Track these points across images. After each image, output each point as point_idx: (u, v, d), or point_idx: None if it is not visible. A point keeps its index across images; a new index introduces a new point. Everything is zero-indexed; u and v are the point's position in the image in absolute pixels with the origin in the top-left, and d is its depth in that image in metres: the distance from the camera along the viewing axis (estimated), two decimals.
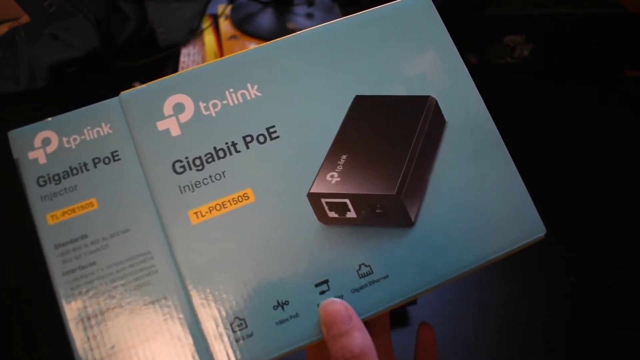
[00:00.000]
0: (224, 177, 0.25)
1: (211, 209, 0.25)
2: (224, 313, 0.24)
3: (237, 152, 0.26)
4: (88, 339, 0.23)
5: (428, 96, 0.27)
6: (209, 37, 0.68)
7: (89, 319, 0.24)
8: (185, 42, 0.68)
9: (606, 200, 0.53)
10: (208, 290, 0.24)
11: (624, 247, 0.47)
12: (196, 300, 0.24)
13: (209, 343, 0.23)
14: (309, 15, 0.68)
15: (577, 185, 0.53)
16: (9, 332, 0.41)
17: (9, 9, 0.65)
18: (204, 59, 0.66)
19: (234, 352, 0.23)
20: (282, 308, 0.24)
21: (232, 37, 0.66)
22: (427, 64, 0.28)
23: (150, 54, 0.67)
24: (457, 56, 0.28)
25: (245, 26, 0.66)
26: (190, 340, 0.23)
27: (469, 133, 0.27)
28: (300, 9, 0.69)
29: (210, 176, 0.25)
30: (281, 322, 0.24)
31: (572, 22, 0.60)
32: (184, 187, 0.25)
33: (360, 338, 0.22)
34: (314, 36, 0.28)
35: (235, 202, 0.25)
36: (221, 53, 0.64)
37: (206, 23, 0.70)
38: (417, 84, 0.28)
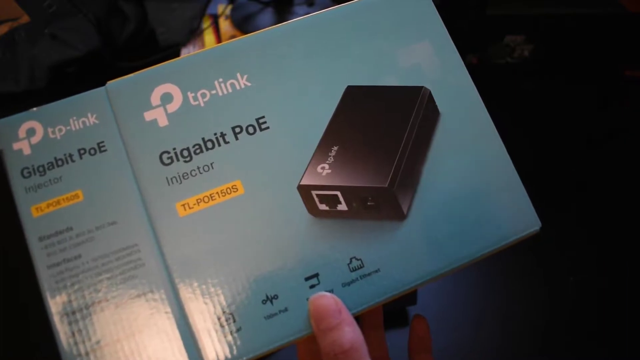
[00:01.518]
0: (213, 168, 0.25)
1: (199, 201, 0.24)
2: (211, 307, 0.23)
3: (226, 143, 0.25)
4: (73, 333, 0.23)
5: (422, 87, 0.27)
6: (209, 37, 0.68)
7: (74, 313, 0.23)
8: (185, 42, 0.68)
9: (606, 200, 0.53)
10: (196, 284, 0.24)
11: (624, 247, 0.47)
12: (184, 294, 0.23)
13: (197, 337, 0.23)
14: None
15: (577, 186, 0.53)
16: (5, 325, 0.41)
17: (9, 9, 0.65)
18: None
19: (222, 346, 0.23)
20: (271, 302, 0.24)
21: (232, 37, 0.65)
22: (421, 54, 0.27)
23: (150, 54, 0.67)
24: (452, 46, 0.28)
25: (245, 26, 0.66)
26: (177, 334, 0.23)
27: (464, 124, 0.27)
28: (300, 9, 0.69)
29: (198, 167, 0.25)
30: (270, 316, 0.23)
31: (572, 22, 0.60)
32: (171, 179, 0.25)
33: (350, 332, 0.21)
34: (305, 25, 0.28)
35: (223, 194, 0.25)
36: None
37: (206, 23, 0.69)
38: (411, 75, 0.27)
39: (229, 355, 0.23)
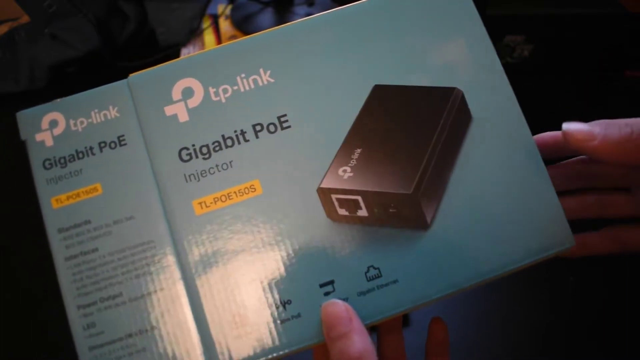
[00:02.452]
0: (231, 167, 0.25)
1: (216, 199, 0.24)
2: (225, 307, 0.24)
3: (246, 141, 0.25)
4: (87, 326, 0.24)
5: (454, 88, 0.26)
6: (209, 37, 0.69)
7: (89, 305, 0.24)
8: (185, 42, 0.69)
9: None
10: (210, 284, 0.24)
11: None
12: (198, 293, 0.24)
13: (211, 336, 0.23)
14: (309, 15, 0.67)
15: None
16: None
17: (9, 9, 0.66)
18: None
19: (233, 348, 0.23)
20: (284, 307, 0.24)
21: (232, 37, 0.66)
22: (455, 52, 0.26)
23: (150, 54, 0.68)
24: (489, 45, 0.26)
25: (245, 26, 0.66)
26: (191, 332, 0.23)
27: (498, 131, 0.25)
28: (300, 9, 0.69)
29: (216, 165, 0.25)
30: (283, 321, 0.23)
31: (572, 22, 0.60)
32: (189, 176, 0.25)
33: (359, 342, 0.21)
34: (331, 20, 0.27)
35: (241, 193, 0.25)
36: None
37: (206, 23, 0.70)
38: (443, 74, 0.26)
39: (241, 357, 0.23)
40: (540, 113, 0.64)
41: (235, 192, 0.25)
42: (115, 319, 0.23)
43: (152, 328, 0.23)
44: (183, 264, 0.24)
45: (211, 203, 0.24)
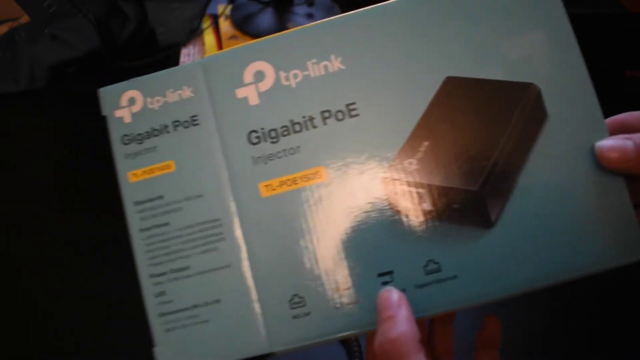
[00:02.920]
0: (298, 152, 0.26)
1: (282, 183, 0.26)
2: (283, 288, 0.25)
3: (314, 127, 0.26)
4: (158, 294, 0.26)
5: (530, 83, 0.25)
6: (209, 37, 0.69)
7: (160, 275, 0.26)
8: (185, 42, 0.69)
9: None
10: (272, 263, 0.25)
11: None
12: (260, 271, 0.25)
13: (267, 315, 0.25)
14: (309, 15, 0.68)
15: None
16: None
17: (9, 9, 0.67)
18: None
19: (289, 328, 0.24)
20: (343, 293, 0.24)
21: (232, 37, 0.66)
22: (534, 45, 0.25)
23: (150, 54, 0.69)
24: (572, 39, 0.25)
25: (245, 26, 0.67)
26: (251, 309, 0.25)
27: (574, 132, 0.25)
28: (300, 9, 0.69)
29: (284, 150, 0.26)
30: (340, 306, 0.24)
31: (572, 22, 0.60)
32: (257, 159, 0.26)
33: (402, 326, 0.22)
34: (404, 6, 0.26)
35: (307, 179, 0.25)
36: None
37: (206, 23, 0.70)
38: (519, 69, 0.25)
39: (295, 336, 0.24)
40: None
41: (301, 177, 0.25)
42: (183, 289, 0.25)
43: (217, 301, 0.25)
44: (247, 242, 0.25)
45: (277, 186, 0.25)
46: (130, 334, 0.42)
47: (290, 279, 0.25)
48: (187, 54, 0.70)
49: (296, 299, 0.25)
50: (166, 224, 0.26)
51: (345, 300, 0.24)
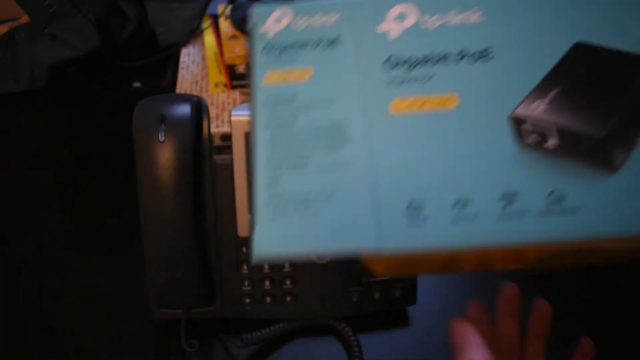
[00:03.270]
0: (431, 81, 0.28)
1: (411, 104, 0.27)
2: (401, 194, 0.26)
3: (448, 64, 0.28)
4: (272, 183, 0.27)
5: None
6: (209, 37, 0.69)
7: (276, 166, 0.27)
8: (185, 42, 0.69)
9: None
10: (391, 171, 0.27)
11: None
12: (380, 176, 0.27)
13: (383, 214, 0.26)
14: None
15: None
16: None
17: (9, 9, 0.67)
18: (204, 59, 0.66)
19: (401, 232, 0.26)
20: (461, 207, 0.25)
21: (232, 37, 0.66)
22: None
23: (150, 54, 0.69)
24: None
25: (245, 26, 0.66)
26: (366, 208, 0.26)
27: None
28: None
29: (416, 77, 0.28)
30: (457, 220, 0.25)
31: None
32: (390, 81, 0.28)
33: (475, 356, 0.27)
34: None
35: (437, 104, 0.27)
36: (221, 53, 0.65)
37: (206, 23, 0.70)
38: None
39: (406, 240, 0.26)
40: None
41: (430, 101, 0.27)
42: (299, 180, 0.27)
43: (331, 196, 0.26)
44: (370, 151, 0.27)
45: (406, 106, 0.27)
46: (131, 334, 0.42)
47: (409, 187, 0.26)
48: (187, 54, 0.70)
49: (413, 206, 0.26)
50: (293, 122, 0.28)
51: (462, 214, 0.26)
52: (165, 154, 0.35)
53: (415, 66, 0.28)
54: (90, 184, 0.55)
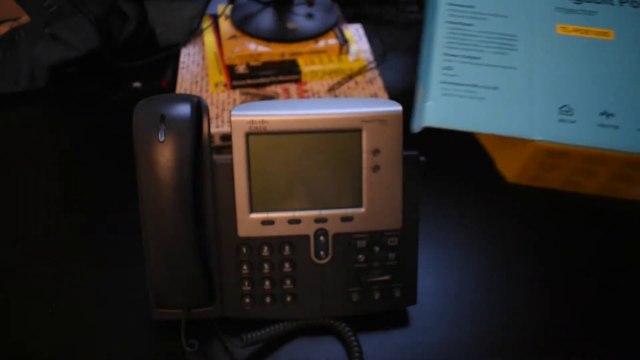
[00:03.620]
0: (594, 15, 0.34)
1: (576, 30, 0.34)
2: (555, 97, 0.33)
3: (612, 4, 0.34)
4: (446, 68, 0.34)
5: None
6: (209, 37, 0.69)
7: (452, 56, 0.34)
8: (185, 42, 0.69)
9: (607, 200, 0.52)
10: (549, 78, 0.33)
11: (624, 247, 0.47)
12: (538, 81, 0.33)
13: (536, 112, 0.32)
14: (309, 15, 0.68)
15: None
16: None
17: (9, 9, 0.67)
18: (204, 59, 0.66)
19: (553, 127, 0.32)
20: (607, 117, 0.31)
21: (232, 37, 0.66)
22: None
23: (150, 54, 0.69)
24: None
25: (245, 26, 0.67)
26: (525, 102, 0.33)
27: None
28: (300, 9, 0.69)
29: (583, 10, 0.34)
30: (601, 126, 0.32)
31: None
32: (559, 9, 0.34)
33: None
34: None
35: (596, 34, 0.34)
36: (221, 53, 0.65)
37: (206, 23, 0.70)
38: None
39: (558, 135, 0.32)
40: None
41: (592, 31, 0.33)
42: (469, 71, 0.33)
43: (495, 88, 0.32)
44: (533, 58, 0.34)
45: (571, 30, 0.33)
46: (131, 334, 0.42)
47: (564, 94, 0.32)
48: (187, 54, 0.70)
49: (565, 109, 0.32)
50: (470, 25, 0.35)
51: (606, 123, 0.31)
52: (165, 154, 0.35)
53: (582, 1, 0.35)
54: (90, 184, 0.55)
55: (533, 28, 0.34)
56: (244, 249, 0.39)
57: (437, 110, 0.32)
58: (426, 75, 0.34)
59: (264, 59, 0.65)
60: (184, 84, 0.64)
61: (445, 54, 0.34)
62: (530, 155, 0.36)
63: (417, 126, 0.33)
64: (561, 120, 0.32)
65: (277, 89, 0.64)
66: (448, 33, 0.34)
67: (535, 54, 0.34)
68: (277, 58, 0.66)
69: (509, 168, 0.42)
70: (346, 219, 0.39)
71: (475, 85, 0.32)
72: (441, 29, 0.34)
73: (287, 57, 0.66)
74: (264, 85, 0.64)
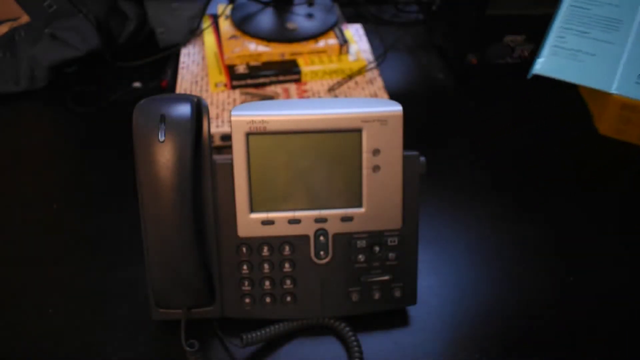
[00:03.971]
0: None
1: None
2: (638, 65, 0.41)
3: None
4: (560, 37, 0.44)
5: None
6: (209, 37, 0.69)
7: (567, 29, 0.43)
8: (185, 42, 0.69)
9: (607, 200, 0.53)
10: (637, 57, 0.42)
11: (624, 247, 0.47)
12: (630, 54, 0.41)
13: (622, 78, 0.40)
14: (309, 15, 0.68)
15: (578, 184, 0.53)
16: None
17: (9, 9, 0.67)
18: (204, 59, 0.66)
19: (629, 86, 0.40)
20: None
21: (232, 37, 0.66)
22: None
23: (150, 54, 0.69)
24: None
25: (245, 26, 0.67)
26: (617, 67, 0.41)
27: None
28: (300, 9, 0.70)
29: None
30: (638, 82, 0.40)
31: None
32: None
33: None
34: None
35: None
36: (221, 53, 0.65)
37: (206, 23, 0.71)
38: None
39: (630, 93, 0.40)
40: (541, 112, 0.64)
41: None
42: (576, 41, 0.42)
43: (594, 55, 0.41)
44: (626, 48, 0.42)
45: None
46: (131, 334, 0.42)
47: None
48: (187, 54, 0.70)
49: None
50: (588, 9, 0.44)
51: None
52: (165, 154, 0.35)
53: None
54: (90, 184, 0.56)
55: (636, 17, 0.43)
56: (244, 249, 0.39)
57: (547, 64, 0.42)
58: (546, 38, 0.44)
59: (264, 59, 0.65)
60: (184, 84, 0.64)
61: (562, 27, 0.43)
62: (609, 107, 0.54)
63: (529, 74, 0.43)
64: (637, 83, 0.40)
65: (277, 89, 0.64)
66: (569, 12, 0.44)
67: (632, 36, 0.42)
68: (277, 58, 0.66)
69: (600, 121, 0.59)
70: (346, 219, 0.39)
71: (579, 51, 0.42)
72: (565, 8, 0.45)
73: (287, 57, 0.66)
74: (264, 85, 0.64)
